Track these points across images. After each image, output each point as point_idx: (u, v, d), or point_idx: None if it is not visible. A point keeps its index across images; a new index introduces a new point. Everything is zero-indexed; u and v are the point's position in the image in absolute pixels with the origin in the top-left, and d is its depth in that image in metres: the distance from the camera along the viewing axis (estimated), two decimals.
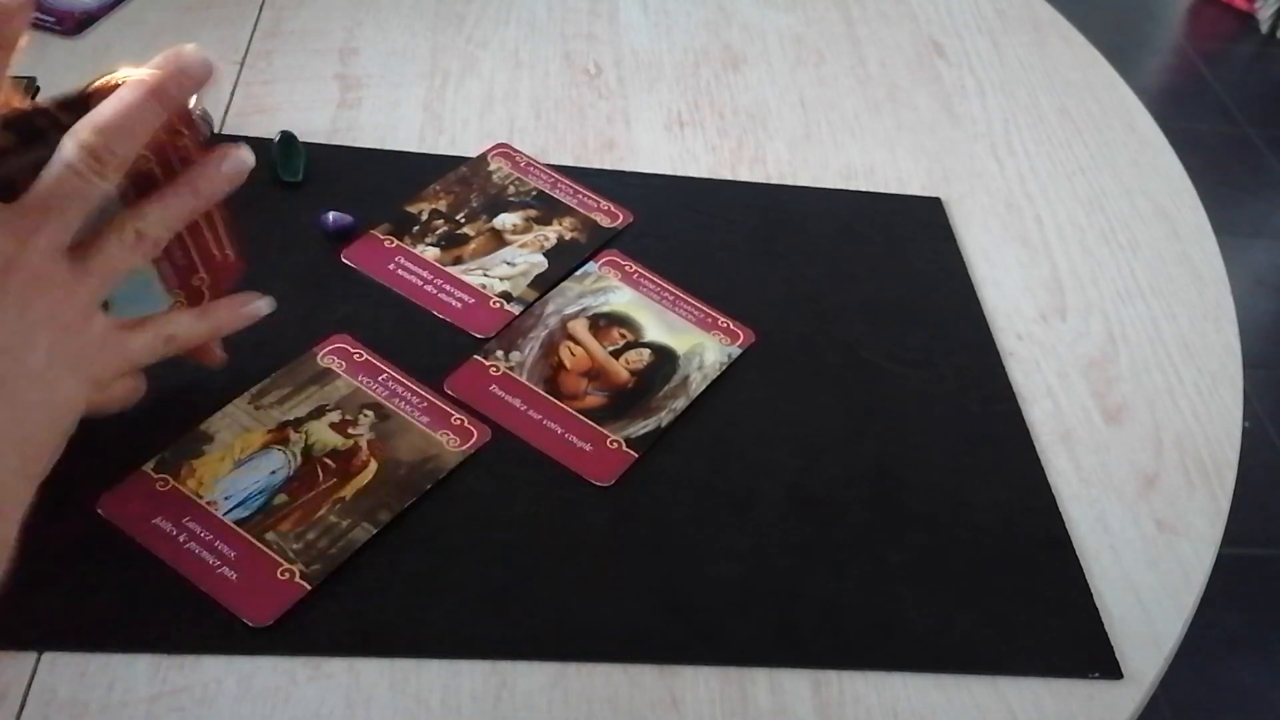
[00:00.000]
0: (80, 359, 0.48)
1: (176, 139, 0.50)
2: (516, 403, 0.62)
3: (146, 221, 0.50)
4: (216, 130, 0.76)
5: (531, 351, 0.65)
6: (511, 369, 0.64)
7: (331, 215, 0.70)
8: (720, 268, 0.73)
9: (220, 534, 0.54)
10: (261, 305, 0.57)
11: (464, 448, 0.59)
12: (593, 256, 0.72)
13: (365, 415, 0.60)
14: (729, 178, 0.80)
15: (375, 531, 0.55)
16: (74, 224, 0.47)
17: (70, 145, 0.47)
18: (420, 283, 0.68)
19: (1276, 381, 1.91)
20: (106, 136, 0.47)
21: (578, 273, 0.70)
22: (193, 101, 0.69)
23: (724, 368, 0.66)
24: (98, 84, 0.50)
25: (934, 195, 0.82)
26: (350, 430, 0.59)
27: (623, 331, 0.67)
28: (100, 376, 0.50)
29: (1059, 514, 0.62)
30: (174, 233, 0.51)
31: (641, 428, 0.62)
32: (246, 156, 0.52)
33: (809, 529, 0.59)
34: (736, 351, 0.67)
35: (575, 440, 0.61)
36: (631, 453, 0.61)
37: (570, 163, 0.79)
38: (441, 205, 0.73)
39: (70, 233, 0.47)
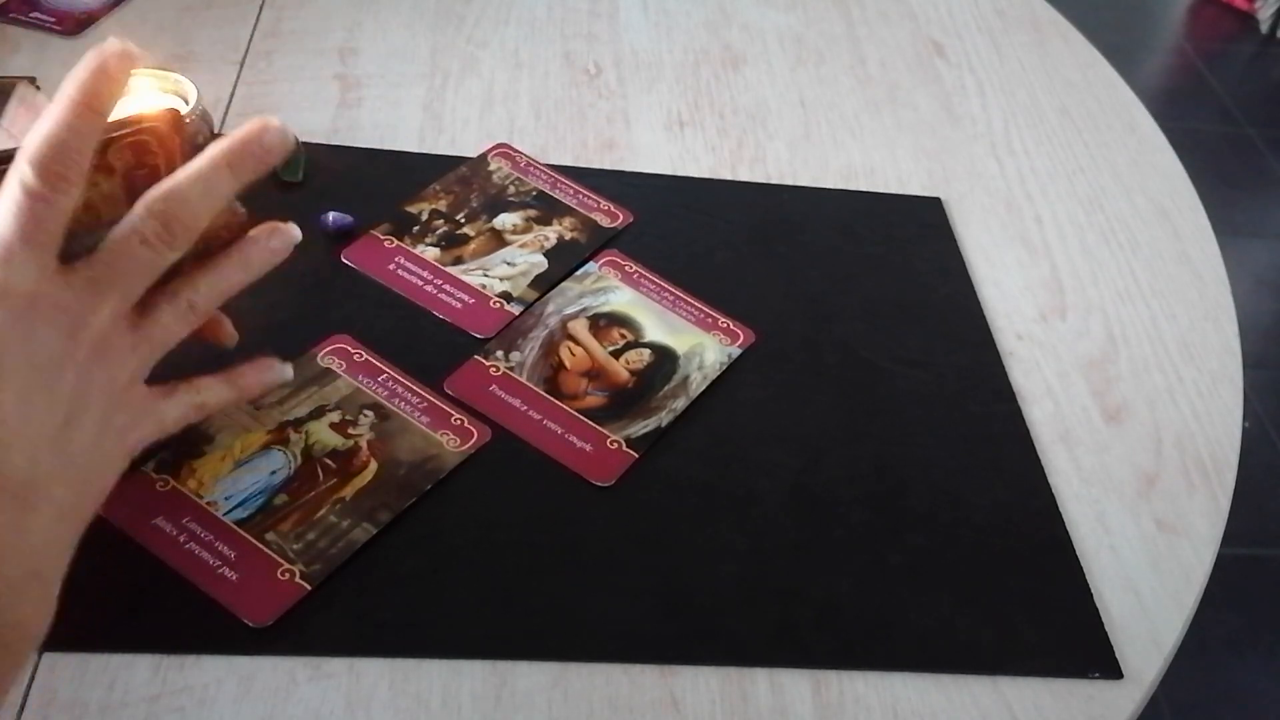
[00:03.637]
0: (125, 427, 0.48)
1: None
2: (516, 403, 0.62)
3: (199, 293, 0.49)
4: (216, 131, 0.76)
5: (531, 351, 0.65)
6: (511, 369, 0.64)
7: (331, 215, 0.70)
8: (720, 268, 0.73)
9: (220, 534, 0.54)
10: (286, 371, 0.56)
11: (464, 448, 0.59)
12: (593, 256, 0.72)
13: (365, 415, 0.60)
14: (729, 178, 0.80)
15: (375, 531, 0.55)
16: (138, 291, 0.47)
17: (141, 213, 0.46)
18: (420, 283, 0.68)
19: (1276, 381, 1.91)
20: (178, 206, 0.46)
21: (578, 273, 0.70)
22: (193, 102, 0.69)
23: (724, 368, 0.66)
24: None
25: (934, 195, 0.82)
26: (350, 430, 0.59)
27: (623, 331, 0.67)
28: (136, 446, 0.49)
29: (1059, 514, 0.62)
30: (221, 303, 0.51)
31: (641, 428, 0.62)
32: (295, 233, 0.52)
33: (809, 529, 0.59)
34: (736, 351, 0.67)
35: (575, 440, 0.61)
36: (631, 453, 0.61)
37: (570, 163, 0.79)
38: (441, 205, 0.73)
39: (133, 300, 0.47)
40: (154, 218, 0.46)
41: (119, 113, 0.47)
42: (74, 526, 0.45)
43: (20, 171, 0.43)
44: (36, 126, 0.44)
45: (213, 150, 0.48)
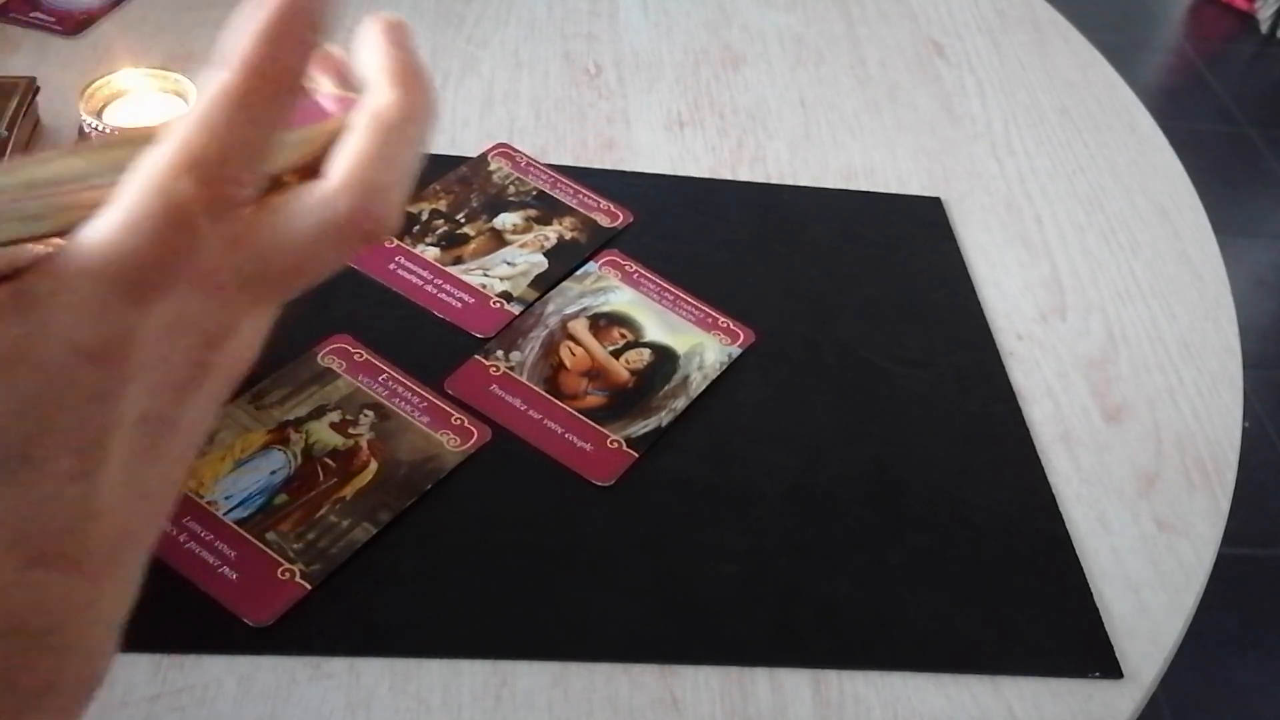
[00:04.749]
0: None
1: None
2: (516, 403, 0.62)
3: None
4: None
5: (532, 351, 0.65)
6: (511, 369, 0.64)
7: None
8: (720, 268, 0.73)
9: (220, 534, 0.54)
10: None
11: (464, 448, 0.59)
12: (593, 256, 0.72)
13: (365, 415, 0.60)
14: (729, 178, 0.80)
15: (375, 531, 0.55)
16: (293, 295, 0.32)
17: (347, 201, 0.30)
18: (420, 283, 0.68)
19: (1276, 381, 1.91)
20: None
21: (578, 273, 0.70)
22: (193, 102, 0.69)
23: (724, 368, 0.66)
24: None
25: (934, 195, 0.82)
26: (350, 430, 0.59)
27: (623, 331, 0.67)
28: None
29: (1059, 514, 0.62)
30: None
31: (641, 428, 0.62)
32: None
33: (809, 529, 0.59)
34: (736, 351, 0.67)
35: (575, 440, 0.61)
36: (631, 453, 0.61)
37: (570, 163, 0.79)
38: (441, 205, 0.73)
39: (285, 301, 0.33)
40: (359, 209, 0.30)
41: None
42: (148, 548, 0.35)
43: (174, 186, 0.27)
44: (191, 116, 0.28)
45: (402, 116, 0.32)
